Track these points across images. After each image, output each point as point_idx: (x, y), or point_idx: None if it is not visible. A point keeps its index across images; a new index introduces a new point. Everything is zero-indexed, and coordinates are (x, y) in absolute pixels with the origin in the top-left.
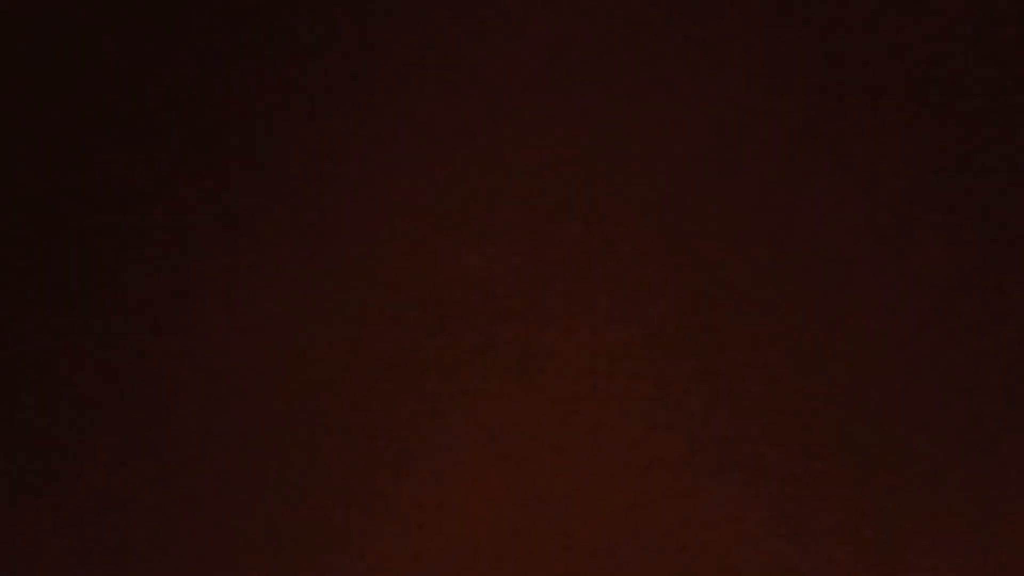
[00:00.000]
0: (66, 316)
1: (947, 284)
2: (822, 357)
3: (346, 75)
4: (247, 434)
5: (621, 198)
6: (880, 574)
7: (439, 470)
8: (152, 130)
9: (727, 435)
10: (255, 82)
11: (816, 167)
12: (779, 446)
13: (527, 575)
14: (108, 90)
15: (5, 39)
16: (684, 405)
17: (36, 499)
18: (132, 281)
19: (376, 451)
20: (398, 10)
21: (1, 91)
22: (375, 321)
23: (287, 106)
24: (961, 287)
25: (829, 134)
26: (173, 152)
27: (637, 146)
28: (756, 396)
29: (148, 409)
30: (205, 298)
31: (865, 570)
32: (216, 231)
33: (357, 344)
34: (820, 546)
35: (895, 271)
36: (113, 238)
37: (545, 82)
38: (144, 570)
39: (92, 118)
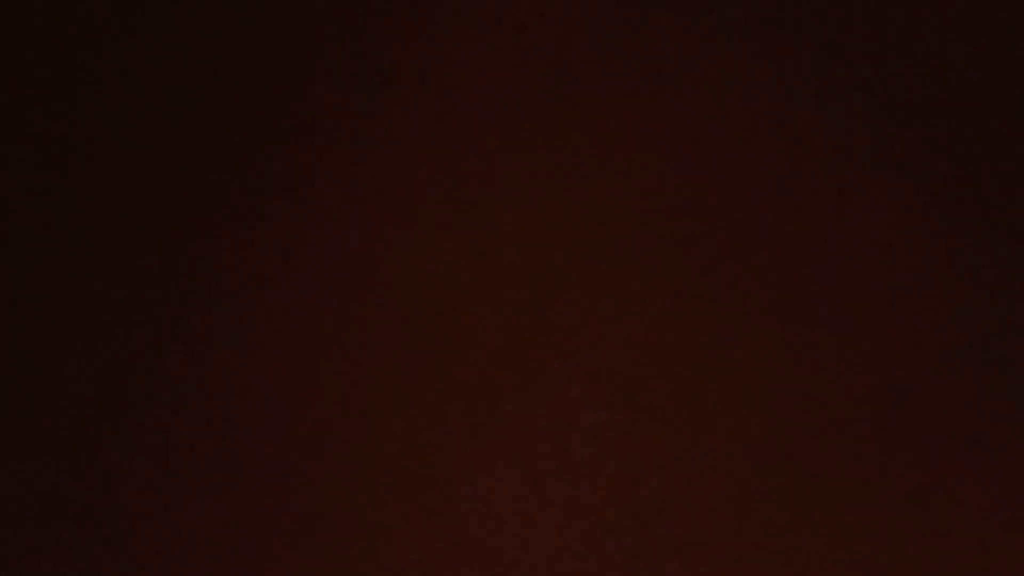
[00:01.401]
0: (72, 318)
1: (949, 287)
2: (825, 359)
3: (349, 77)
4: (269, 446)
5: (626, 202)
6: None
7: (468, 482)
8: (160, 130)
9: (742, 439)
10: (265, 85)
11: (816, 169)
12: (781, 446)
13: None
14: (118, 88)
15: (7, 37)
16: (710, 416)
17: (39, 500)
18: (140, 283)
19: (402, 463)
20: (398, 12)
21: (4, 89)
22: (398, 328)
23: (296, 106)
24: (963, 290)
25: (829, 136)
26: (183, 151)
27: (639, 148)
28: (763, 396)
29: (160, 414)
30: (219, 305)
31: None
32: (228, 232)
33: (384, 354)
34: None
35: (897, 274)
36: (121, 239)
37: (547, 84)
38: (149, 571)
39: (99, 116)
